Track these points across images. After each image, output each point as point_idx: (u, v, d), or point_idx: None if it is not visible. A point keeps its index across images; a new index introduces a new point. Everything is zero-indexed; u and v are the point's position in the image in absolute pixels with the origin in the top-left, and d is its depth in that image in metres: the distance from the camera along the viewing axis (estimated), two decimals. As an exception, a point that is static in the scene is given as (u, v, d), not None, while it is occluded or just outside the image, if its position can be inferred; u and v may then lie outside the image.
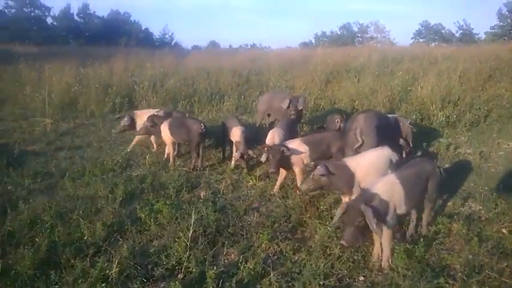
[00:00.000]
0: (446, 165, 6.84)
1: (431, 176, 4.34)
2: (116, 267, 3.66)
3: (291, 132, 6.56)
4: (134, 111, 7.74)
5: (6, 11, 49.11)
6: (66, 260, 3.89)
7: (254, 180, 6.00)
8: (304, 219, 4.80)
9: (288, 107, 7.24)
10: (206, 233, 4.40)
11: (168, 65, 15.01)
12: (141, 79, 11.78)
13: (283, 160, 5.42)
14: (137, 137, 7.40)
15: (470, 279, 3.68)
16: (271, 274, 3.67)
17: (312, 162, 5.07)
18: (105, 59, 14.71)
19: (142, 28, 53.46)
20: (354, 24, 49.76)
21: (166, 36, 55.05)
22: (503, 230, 4.59)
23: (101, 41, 46.35)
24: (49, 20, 50.26)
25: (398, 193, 3.96)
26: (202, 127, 6.55)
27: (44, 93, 10.80)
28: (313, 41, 48.85)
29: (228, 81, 12.71)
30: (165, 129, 6.75)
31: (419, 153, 7.30)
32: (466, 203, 5.41)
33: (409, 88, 10.39)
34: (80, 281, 3.55)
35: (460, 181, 6.12)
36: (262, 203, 5.34)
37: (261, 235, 4.28)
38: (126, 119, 7.31)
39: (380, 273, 3.86)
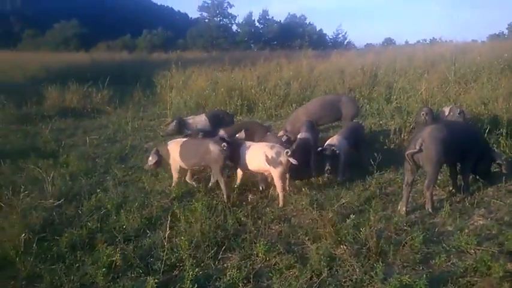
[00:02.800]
0: None
1: (207, 153, 5.56)
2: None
3: None
4: (184, 118, 8.03)
5: (204, 20, 56.29)
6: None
7: (305, 189, 5.83)
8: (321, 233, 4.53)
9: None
10: (217, 234, 4.59)
11: (306, 67, 15.27)
12: (267, 83, 12.37)
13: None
14: None
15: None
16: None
17: None
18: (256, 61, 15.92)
19: (317, 30, 55.00)
20: None
21: (340, 36, 55.42)
22: None
23: (277, 45, 49.60)
24: (234, 28, 55.90)
25: (175, 151, 5.80)
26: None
27: (185, 95, 12.46)
28: (505, 32, 42.39)
29: (355, 82, 12.31)
30: None
31: None
32: None
33: None
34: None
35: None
36: (295, 214, 5.21)
37: (257, 245, 4.26)
38: (174, 123, 7.62)
39: None
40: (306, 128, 6.63)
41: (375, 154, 5.75)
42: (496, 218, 4.86)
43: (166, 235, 4.28)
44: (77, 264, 4.23)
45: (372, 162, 5.76)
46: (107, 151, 8.12)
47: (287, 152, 5.30)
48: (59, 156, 7.62)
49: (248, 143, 5.77)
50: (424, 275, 3.53)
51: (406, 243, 4.24)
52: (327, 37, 55.64)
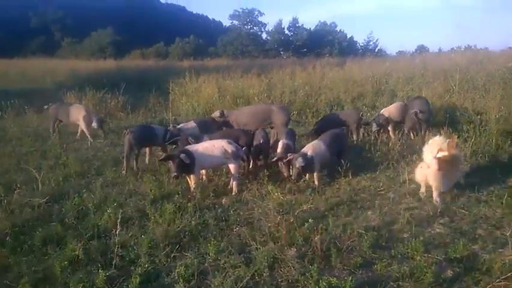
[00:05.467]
0: None
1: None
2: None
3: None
4: (175, 125, 8.36)
5: (236, 28, 57.00)
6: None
7: (277, 194, 5.95)
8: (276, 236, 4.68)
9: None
10: (179, 234, 4.83)
11: (318, 74, 15.37)
12: (275, 90, 12.58)
13: None
14: None
15: None
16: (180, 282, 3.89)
17: None
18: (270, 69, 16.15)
19: (347, 37, 54.51)
20: None
21: (371, 43, 54.72)
22: None
23: (306, 52, 49.53)
24: (264, 36, 56.27)
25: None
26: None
27: (194, 102, 12.85)
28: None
29: (362, 90, 12.31)
30: None
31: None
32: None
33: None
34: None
35: None
36: (260, 217, 5.35)
37: (209, 245, 4.45)
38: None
39: None
40: (287, 135, 6.82)
41: (342, 161, 5.84)
42: (456, 227, 4.85)
43: (131, 234, 4.57)
44: (45, 257, 4.57)
45: (339, 169, 5.86)
46: (106, 154, 8.54)
47: (244, 148, 6.25)
48: (60, 158, 8.09)
49: (202, 143, 6.44)
50: (350, 278, 3.62)
51: (354, 248, 4.33)
52: (357, 44, 55.01)
